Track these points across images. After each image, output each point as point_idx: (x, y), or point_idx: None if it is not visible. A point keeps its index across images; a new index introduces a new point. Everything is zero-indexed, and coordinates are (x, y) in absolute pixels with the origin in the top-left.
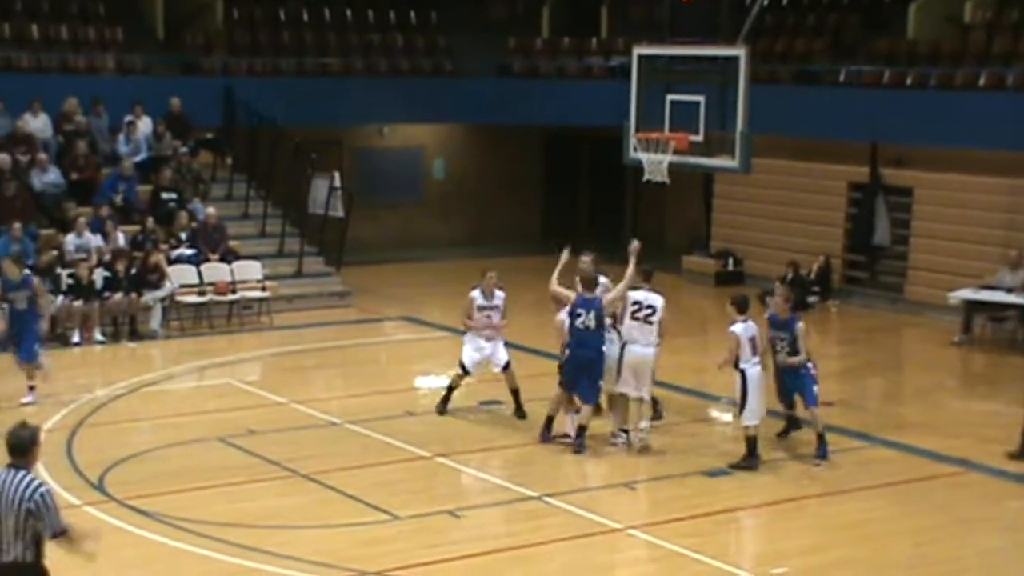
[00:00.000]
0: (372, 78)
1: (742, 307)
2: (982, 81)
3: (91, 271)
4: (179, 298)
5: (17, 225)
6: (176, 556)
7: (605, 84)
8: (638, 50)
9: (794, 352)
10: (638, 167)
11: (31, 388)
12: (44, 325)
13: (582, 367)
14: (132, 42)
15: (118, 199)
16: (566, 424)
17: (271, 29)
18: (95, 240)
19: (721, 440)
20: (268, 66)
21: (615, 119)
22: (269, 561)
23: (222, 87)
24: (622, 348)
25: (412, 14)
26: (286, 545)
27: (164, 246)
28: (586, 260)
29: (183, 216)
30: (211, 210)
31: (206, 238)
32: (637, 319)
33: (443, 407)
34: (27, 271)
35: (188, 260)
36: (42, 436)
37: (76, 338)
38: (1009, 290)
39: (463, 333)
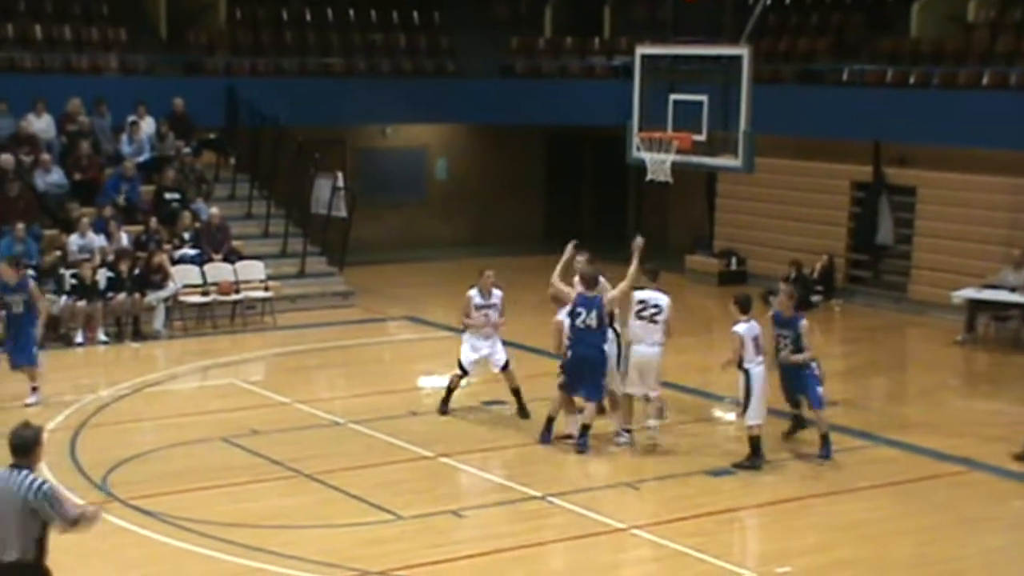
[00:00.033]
0: (375, 78)
1: (745, 307)
2: (985, 80)
3: (94, 271)
4: (182, 298)
5: (20, 225)
6: (180, 556)
7: (608, 84)
8: (641, 50)
9: (798, 350)
10: (641, 167)
11: (34, 389)
12: (41, 329)
13: (584, 366)
14: (135, 42)
15: (121, 199)
16: (568, 425)
17: (274, 29)
18: (98, 240)
19: (725, 440)
20: (271, 66)
21: (618, 119)
22: (273, 561)
23: (225, 87)
24: (627, 347)
25: (415, 14)
26: (290, 545)
27: (167, 246)
28: (581, 260)
29: (186, 216)
30: (214, 210)
31: (209, 238)
32: (643, 318)
33: (444, 407)
34: (26, 273)
35: (191, 260)
36: (45, 436)
37: (79, 338)
38: (1012, 289)
39: (462, 332)
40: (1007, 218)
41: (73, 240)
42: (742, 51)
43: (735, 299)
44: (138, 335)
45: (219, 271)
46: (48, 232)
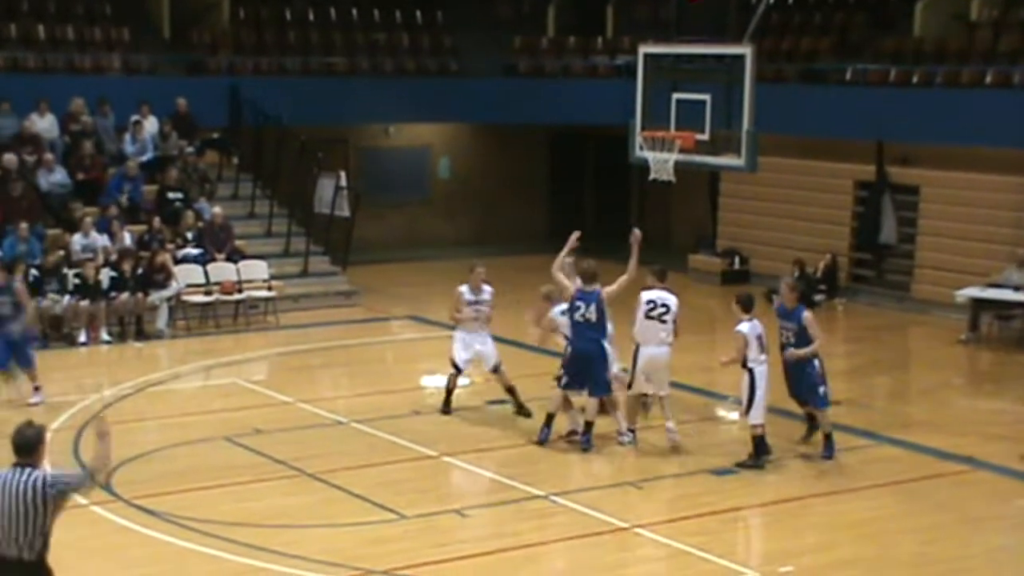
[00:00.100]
0: (378, 77)
1: (747, 306)
2: (988, 79)
3: (97, 271)
4: (185, 298)
5: (24, 225)
6: (183, 555)
7: (611, 83)
8: (644, 49)
9: (801, 342)
10: (644, 166)
11: (36, 389)
12: (18, 327)
13: (585, 362)
14: (138, 42)
15: (124, 199)
16: (569, 424)
17: (277, 29)
18: (101, 240)
19: (728, 439)
20: (274, 65)
21: (621, 118)
22: (276, 560)
23: (228, 87)
24: (635, 348)
25: (418, 13)
26: (293, 544)
27: (170, 246)
28: (568, 261)
29: (189, 216)
30: (217, 209)
31: (212, 237)
32: (651, 318)
33: (446, 408)
34: (12, 276)
35: (194, 260)
36: (48, 436)
37: (82, 338)
38: (1016, 288)
39: (453, 329)
40: (1011, 217)
41: (76, 240)
42: (745, 50)
43: (737, 298)
44: (141, 335)
45: (222, 271)
46: (51, 232)
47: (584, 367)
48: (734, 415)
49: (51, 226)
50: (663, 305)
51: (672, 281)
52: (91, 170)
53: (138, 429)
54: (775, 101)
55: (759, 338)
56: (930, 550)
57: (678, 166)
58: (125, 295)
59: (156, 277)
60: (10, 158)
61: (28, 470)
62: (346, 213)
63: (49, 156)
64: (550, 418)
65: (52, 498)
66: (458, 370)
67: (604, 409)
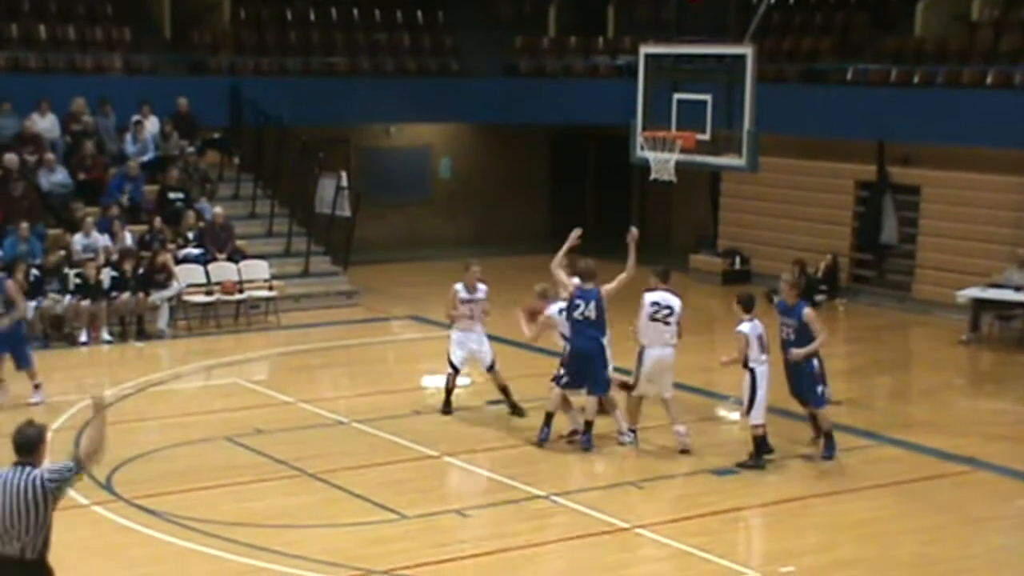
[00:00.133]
0: (379, 77)
1: (748, 306)
2: (989, 79)
3: (98, 271)
4: (186, 298)
5: (25, 225)
6: (184, 555)
7: (612, 83)
8: (645, 49)
9: (801, 338)
10: (645, 166)
11: (36, 387)
12: (7, 321)
13: (584, 360)
14: (139, 42)
15: (125, 199)
16: (568, 423)
17: (278, 29)
18: (102, 240)
19: (729, 439)
20: (275, 66)
21: (622, 118)
22: (277, 560)
23: (229, 87)
24: (640, 350)
25: (419, 13)
26: (294, 544)
27: (171, 246)
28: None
29: (190, 216)
30: (218, 209)
31: (213, 237)
32: (656, 320)
33: (447, 408)
34: (2, 275)
35: (195, 260)
36: (49, 435)
37: (83, 338)
38: (1017, 288)
39: (449, 327)
40: (1011, 217)
41: (77, 240)
42: (746, 50)
43: (738, 298)
44: (142, 334)
45: (223, 270)
46: (52, 232)
47: (584, 366)
48: (735, 415)
49: (52, 226)
50: (667, 307)
51: (673, 281)
52: (92, 170)
53: (139, 429)
54: (776, 101)
55: (760, 338)
56: (931, 550)
57: (679, 166)
58: (126, 295)
59: (157, 277)
60: (11, 158)
61: (28, 469)
62: (347, 213)
63: (50, 156)
64: (549, 417)
65: (51, 492)
66: (455, 370)
67: (603, 409)
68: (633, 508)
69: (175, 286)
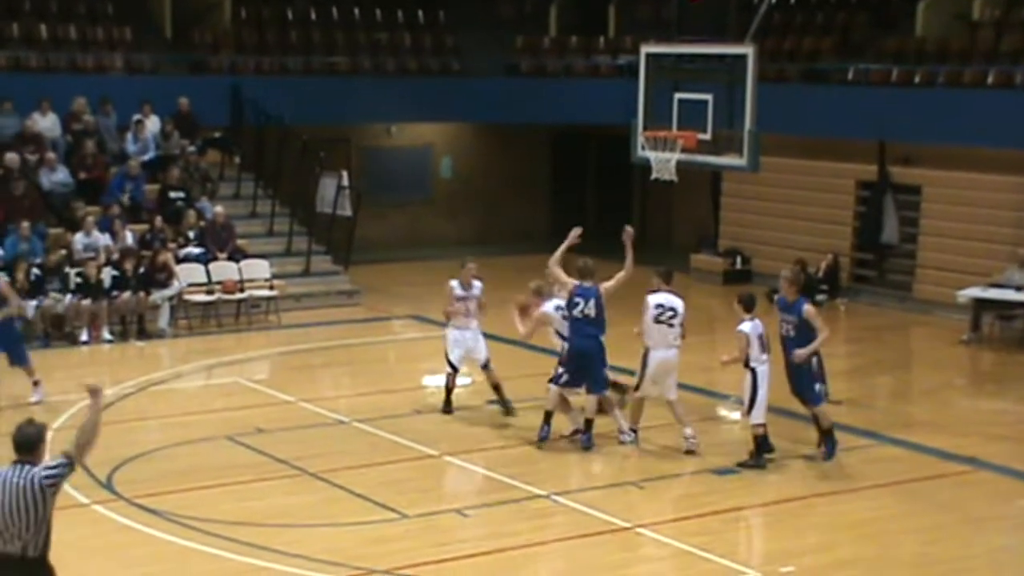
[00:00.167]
0: (380, 77)
1: (749, 305)
2: (990, 79)
3: (99, 270)
4: (187, 297)
5: (26, 224)
6: (184, 554)
7: (613, 83)
8: (646, 48)
9: (801, 335)
10: (646, 165)
11: (35, 384)
12: (1, 313)
13: (583, 358)
14: (140, 41)
15: (125, 198)
16: (569, 423)
17: (279, 28)
18: (103, 239)
19: (729, 439)
20: (276, 65)
21: (623, 117)
22: (277, 559)
23: (230, 86)
24: (644, 352)
25: (420, 13)
26: (294, 543)
27: (172, 245)
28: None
29: (191, 215)
30: (219, 209)
31: (214, 237)
32: (661, 322)
33: (447, 407)
34: None
35: (196, 259)
36: (49, 434)
37: (84, 337)
38: (1018, 288)
39: (445, 324)
40: (1012, 217)
41: (78, 239)
42: (747, 50)
43: (739, 298)
44: (143, 334)
45: (224, 270)
46: (53, 231)
47: (583, 364)
48: (735, 415)
49: (53, 225)
50: (671, 309)
51: (674, 281)
52: (93, 169)
53: (140, 428)
54: (777, 101)
55: (761, 338)
56: (932, 550)
57: (680, 166)
58: (127, 294)
59: (158, 276)
60: (12, 157)
61: (27, 467)
62: (348, 212)
63: (51, 155)
64: (548, 416)
65: (48, 489)
66: (455, 369)
67: (602, 408)
68: (633, 508)
69: (176, 285)
